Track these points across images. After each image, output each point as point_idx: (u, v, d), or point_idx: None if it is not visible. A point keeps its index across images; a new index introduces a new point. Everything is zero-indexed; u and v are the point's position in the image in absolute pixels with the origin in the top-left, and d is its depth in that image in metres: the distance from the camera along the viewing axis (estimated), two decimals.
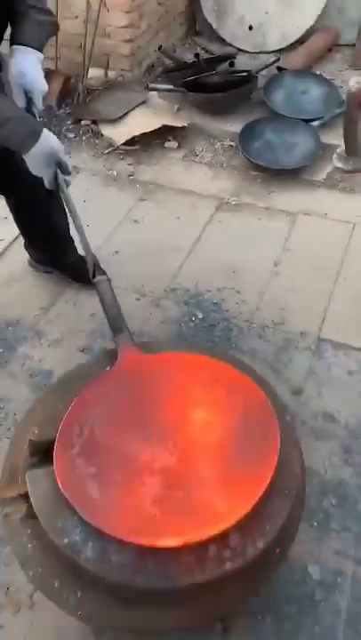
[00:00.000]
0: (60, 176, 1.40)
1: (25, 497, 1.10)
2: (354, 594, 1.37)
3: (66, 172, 1.42)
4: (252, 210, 2.56)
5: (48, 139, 1.37)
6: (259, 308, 2.10)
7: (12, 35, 1.53)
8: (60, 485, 0.96)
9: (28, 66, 1.50)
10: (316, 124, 2.82)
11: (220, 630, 1.31)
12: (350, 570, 1.41)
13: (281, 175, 2.71)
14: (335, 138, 2.85)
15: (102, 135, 2.95)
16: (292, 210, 2.54)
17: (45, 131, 1.38)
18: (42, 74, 1.53)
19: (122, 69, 3.20)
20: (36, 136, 1.35)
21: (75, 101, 3.14)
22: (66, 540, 0.96)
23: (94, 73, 3.13)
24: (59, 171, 1.40)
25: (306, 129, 2.81)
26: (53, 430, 1.06)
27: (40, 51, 1.54)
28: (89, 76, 3.08)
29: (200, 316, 2.08)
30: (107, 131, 2.94)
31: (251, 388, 1.14)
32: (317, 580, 1.39)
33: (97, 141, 2.98)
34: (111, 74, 3.20)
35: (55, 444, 1.01)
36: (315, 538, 1.47)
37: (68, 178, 1.44)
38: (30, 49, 1.50)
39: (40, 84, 1.52)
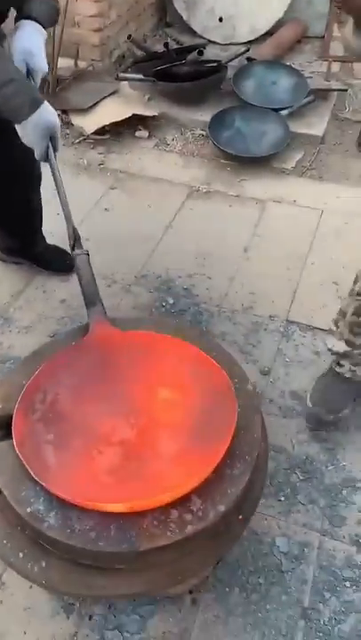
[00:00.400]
0: (51, 150, 1.40)
1: None
2: (320, 564, 1.40)
3: (56, 148, 1.41)
4: (222, 197, 2.58)
5: (48, 110, 1.36)
6: (228, 293, 2.13)
7: (19, 10, 1.52)
8: (17, 449, 0.97)
9: (36, 43, 1.48)
10: (285, 112, 2.85)
11: (189, 602, 1.33)
12: (317, 541, 1.45)
13: (251, 163, 2.73)
14: (304, 126, 2.90)
15: (72, 125, 2.94)
16: (261, 197, 2.57)
17: (46, 102, 1.37)
18: (44, 54, 1.52)
19: (92, 59, 3.20)
20: (36, 104, 1.34)
21: (45, 91, 3.11)
22: (29, 510, 0.97)
23: (64, 63, 3.12)
24: (50, 145, 1.40)
25: (275, 118, 2.84)
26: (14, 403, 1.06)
27: (45, 29, 1.53)
28: (59, 65, 3.06)
29: (171, 301, 2.10)
30: (77, 120, 2.93)
31: (211, 365, 1.15)
32: (285, 552, 1.42)
33: (67, 131, 2.97)
34: (81, 64, 3.19)
35: (15, 411, 1.02)
36: (282, 511, 1.50)
37: (56, 153, 1.44)
38: (38, 25, 1.49)
39: (44, 65, 1.51)
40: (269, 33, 3.56)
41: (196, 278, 2.19)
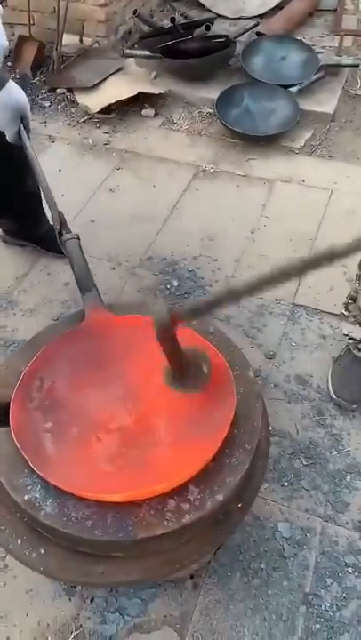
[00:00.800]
0: (24, 131, 1.37)
1: None
2: (322, 549, 1.40)
3: (28, 128, 1.39)
4: (229, 177, 2.53)
5: (12, 90, 1.32)
6: (234, 275, 2.10)
7: None
8: (14, 437, 0.96)
9: None
10: (294, 89, 2.78)
11: (190, 586, 1.33)
12: (319, 527, 1.44)
13: (259, 142, 2.68)
14: (314, 104, 2.82)
15: (78, 103, 2.89)
16: (269, 177, 2.52)
17: (11, 82, 1.33)
18: (2, 29, 1.48)
19: (97, 36, 3.13)
20: (0, 83, 1.30)
21: (49, 69, 3.07)
22: (26, 497, 0.97)
23: (69, 39, 3.06)
24: (22, 126, 1.37)
25: (284, 95, 2.77)
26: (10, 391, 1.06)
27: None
28: (64, 42, 3.00)
29: (175, 284, 2.07)
30: (82, 99, 2.88)
31: (211, 351, 1.13)
32: (287, 537, 1.42)
33: (73, 110, 2.92)
34: (87, 40, 3.13)
35: (12, 399, 1.01)
36: (285, 497, 1.49)
37: (29, 134, 1.41)
38: None
39: (3, 40, 1.47)
40: (280, 6, 3.46)
41: (202, 260, 2.16)
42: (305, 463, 1.56)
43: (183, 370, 1.02)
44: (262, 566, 1.37)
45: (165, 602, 1.32)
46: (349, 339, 1.63)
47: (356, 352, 1.64)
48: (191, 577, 1.34)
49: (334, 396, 1.66)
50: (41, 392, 1.03)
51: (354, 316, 1.58)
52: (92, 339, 1.15)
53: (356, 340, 1.61)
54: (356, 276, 1.53)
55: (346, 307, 1.62)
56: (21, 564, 1.03)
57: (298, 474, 1.54)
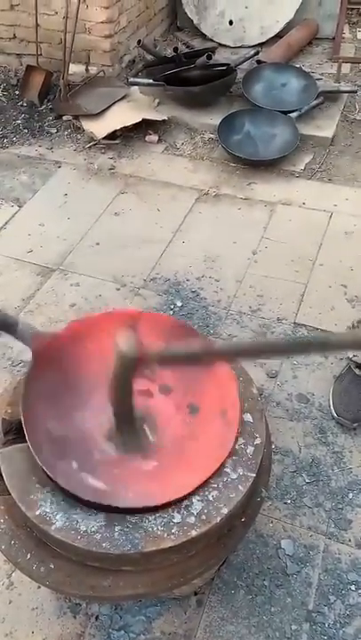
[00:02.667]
0: None
1: None
2: (325, 567, 1.41)
3: None
4: (231, 201, 2.59)
5: None
6: (237, 295, 2.14)
7: None
8: (39, 460, 0.99)
9: None
10: (294, 115, 2.86)
11: (194, 603, 1.34)
12: (322, 544, 1.45)
13: (260, 166, 2.74)
14: (313, 129, 2.90)
15: (84, 130, 2.98)
16: (271, 200, 2.58)
17: None
18: None
19: (102, 65, 3.23)
20: None
21: (56, 97, 3.16)
22: (37, 512, 0.99)
23: (75, 69, 3.16)
24: None
25: (284, 120, 2.84)
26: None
27: None
28: (70, 71, 3.10)
29: (179, 304, 2.11)
30: (88, 125, 2.96)
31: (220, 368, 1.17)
32: (290, 555, 1.43)
33: (78, 136, 3.01)
34: (92, 69, 3.23)
35: (23, 422, 1.04)
36: (288, 514, 1.51)
37: None
38: None
39: None
40: (280, 35, 3.57)
41: (205, 281, 2.20)
42: (308, 481, 1.58)
43: (128, 420, 1.01)
44: (266, 583, 1.38)
45: (170, 619, 1.33)
46: (353, 362, 1.66)
47: (356, 371, 1.67)
48: (195, 594, 1.35)
49: (335, 415, 1.69)
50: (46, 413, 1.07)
51: None
52: (55, 362, 1.17)
53: (360, 363, 1.64)
54: None
55: (353, 328, 1.65)
56: (29, 578, 1.05)
57: (301, 491, 1.55)
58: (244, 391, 1.18)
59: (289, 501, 1.53)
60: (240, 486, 1.03)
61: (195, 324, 2.02)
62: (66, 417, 1.11)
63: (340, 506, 1.52)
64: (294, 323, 2.01)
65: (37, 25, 3.07)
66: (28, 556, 1.04)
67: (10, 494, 1.06)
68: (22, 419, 1.04)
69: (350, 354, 1.66)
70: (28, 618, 1.35)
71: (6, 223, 2.51)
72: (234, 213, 2.53)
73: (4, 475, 1.08)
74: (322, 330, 1.98)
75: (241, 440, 1.09)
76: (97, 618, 1.33)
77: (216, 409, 1.11)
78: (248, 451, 1.08)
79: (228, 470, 1.04)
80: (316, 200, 2.56)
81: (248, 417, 1.13)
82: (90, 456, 1.07)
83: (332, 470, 1.60)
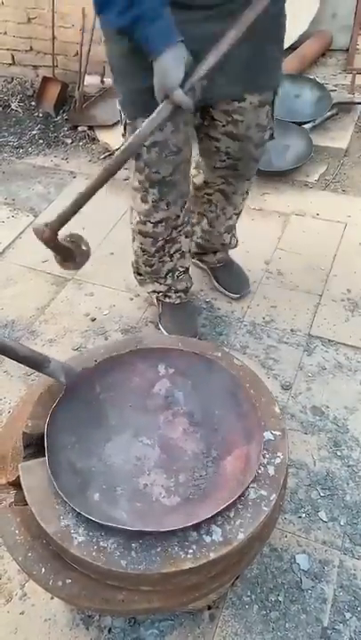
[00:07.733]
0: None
1: (13, 485, 1.14)
2: (340, 582, 1.39)
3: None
4: (245, 211, 2.56)
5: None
6: (250, 306, 2.13)
7: None
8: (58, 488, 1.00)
9: None
10: (308, 126, 2.86)
11: (208, 618, 1.33)
12: (337, 559, 1.43)
13: (274, 177, 2.74)
14: (327, 140, 2.90)
15: (98, 140, 3.00)
16: (284, 211, 2.58)
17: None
18: None
19: None
20: None
21: (72, 108, 3.20)
22: (56, 528, 0.99)
23: (91, 80, 3.20)
24: None
25: (298, 131, 2.85)
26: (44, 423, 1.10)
27: None
28: (85, 83, 3.14)
29: None
30: (103, 136, 2.99)
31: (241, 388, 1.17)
32: (305, 570, 1.41)
33: (93, 147, 3.03)
34: (107, 81, 3.26)
35: (45, 439, 1.05)
36: (303, 529, 1.49)
37: None
38: None
39: None
40: (294, 47, 3.57)
41: (218, 292, 2.20)
42: (322, 495, 1.56)
43: (68, 255, 1.56)
44: (280, 599, 1.37)
45: (183, 633, 1.32)
46: None
47: None
48: (209, 608, 1.34)
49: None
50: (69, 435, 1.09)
51: None
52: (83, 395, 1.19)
53: None
54: None
55: None
56: (44, 589, 1.04)
57: (315, 505, 1.54)
58: (266, 409, 1.17)
59: (303, 515, 1.52)
60: (263, 507, 1.02)
61: (208, 335, 2.02)
62: (89, 450, 1.12)
63: (355, 521, 1.50)
64: (308, 334, 2.00)
65: (54, 37, 3.11)
66: (44, 569, 1.04)
67: (27, 504, 1.06)
68: (45, 446, 1.05)
69: None
70: (41, 629, 1.34)
71: (22, 233, 2.53)
72: (247, 224, 2.52)
73: (23, 487, 1.08)
74: (337, 342, 1.97)
75: (263, 460, 1.08)
76: (110, 630, 1.33)
77: (239, 431, 1.11)
78: (270, 471, 1.07)
79: (250, 490, 1.04)
80: (330, 211, 2.55)
81: (269, 435, 1.12)
82: (112, 491, 1.08)
83: (347, 484, 1.58)
